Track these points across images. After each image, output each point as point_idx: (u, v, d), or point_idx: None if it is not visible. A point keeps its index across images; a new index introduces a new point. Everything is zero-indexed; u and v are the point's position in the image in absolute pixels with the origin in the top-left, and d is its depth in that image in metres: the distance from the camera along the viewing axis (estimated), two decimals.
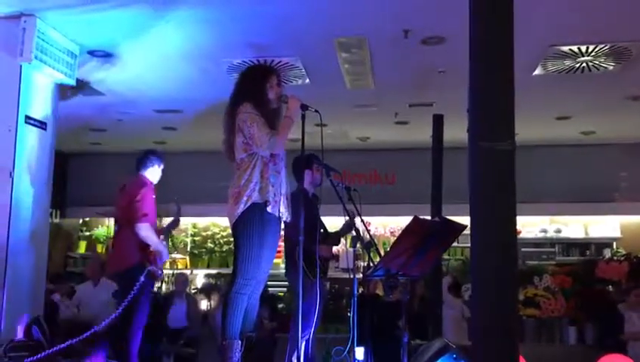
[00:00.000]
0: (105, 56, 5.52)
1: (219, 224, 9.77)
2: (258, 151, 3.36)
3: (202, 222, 9.89)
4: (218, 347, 3.54)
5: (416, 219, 3.04)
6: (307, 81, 6.11)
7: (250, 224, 3.31)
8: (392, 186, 9.38)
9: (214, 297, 8.35)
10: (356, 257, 4.45)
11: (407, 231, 3.06)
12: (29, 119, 4.72)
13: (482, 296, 1.95)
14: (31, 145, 4.76)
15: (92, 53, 5.42)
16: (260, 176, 3.36)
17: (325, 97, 6.27)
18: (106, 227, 9.57)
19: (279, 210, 3.43)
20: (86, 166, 9.65)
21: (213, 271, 9.51)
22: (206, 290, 8.42)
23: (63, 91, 5.30)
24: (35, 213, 4.82)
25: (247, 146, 3.37)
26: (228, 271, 9.59)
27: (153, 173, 4.85)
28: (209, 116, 7.60)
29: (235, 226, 3.34)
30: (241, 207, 3.30)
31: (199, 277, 9.56)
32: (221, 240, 9.74)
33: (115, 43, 5.29)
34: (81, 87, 6.07)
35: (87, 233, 9.77)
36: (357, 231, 4.11)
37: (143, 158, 4.89)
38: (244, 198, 3.31)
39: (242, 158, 3.38)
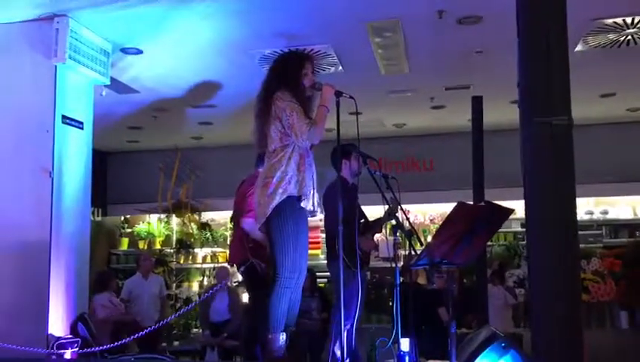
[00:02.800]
0: (137, 53, 5.54)
1: None
2: (295, 142, 3.26)
3: None
4: (261, 340, 3.50)
5: (460, 205, 2.91)
6: (340, 68, 6.01)
7: (286, 217, 3.23)
8: (430, 173, 9.21)
9: None
10: (397, 246, 4.34)
11: (451, 217, 2.95)
12: (66, 119, 4.77)
13: (541, 279, 1.84)
14: (69, 145, 4.81)
15: (125, 50, 5.45)
16: (296, 168, 3.27)
17: (359, 84, 6.15)
18: (147, 223, 9.69)
19: (312, 204, 3.35)
20: (125, 164, 9.78)
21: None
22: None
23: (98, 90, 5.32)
24: (75, 211, 4.88)
25: (283, 136, 3.27)
26: None
27: None
28: (244, 110, 7.58)
29: (270, 219, 3.25)
30: (277, 200, 3.22)
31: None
32: None
33: (147, 39, 5.29)
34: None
35: (129, 230, 9.91)
36: (397, 219, 4.00)
37: (261, 154, 4.99)
38: (280, 191, 3.22)
39: (276, 148, 3.28)
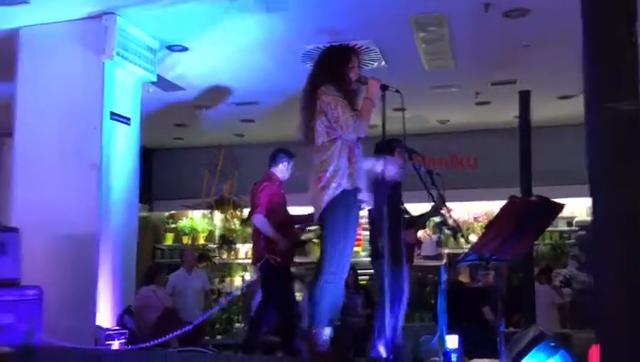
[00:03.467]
0: (183, 50, 5.61)
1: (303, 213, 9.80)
2: (342, 135, 3.25)
3: None
4: (303, 334, 3.50)
5: (512, 200, 2.84)
6: (383, 63, 5.95)
7: (339, 212, 3.22)
8: (475, 170, 9.05)
9: (295, 285, 8.43)
10: (440, 243, 4.27)
11: (502, 212, 2.88)
12: (113, 115, 4.86)
13: (608, 276, 1.76)
14: (117, 141, 4.91)
15: (171, 47, 5.52)
16: (347, 161, 3.26)
17: (402, 80, 6.01)
18: (190, 219, 9.83)
19: (364, 197, 3.33)
20: (170, 160, 9.95)
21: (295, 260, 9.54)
22: (300, 278, 8.53)
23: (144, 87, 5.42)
24: (123, 206, 4.97)
25: (330, 130, 3.26)
26: (311, 260, 9.63)
27: (283, 170, 5.00)
28: (285, 106, 7.61)
29: (323, 214, 3.24)
30: (331, 194, 3.21)
31: None
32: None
33: (193, 36, 5.36)
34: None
35: (173, 225, 10.08)
36: (442, 216, 3.94)
37: (273, 155, 5.10)
38: (334, 185, 3.21)
39: (323, 143, 3.27)
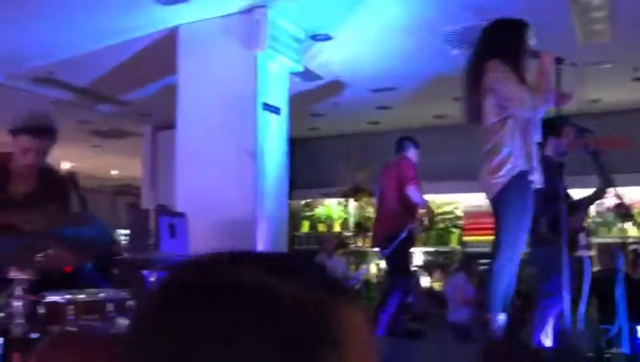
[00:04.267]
0: (326, 39, 5.68)
1: (434, 201, 9.64)
2: (515, 113, 3.10)
3: None
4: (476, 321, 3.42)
5: None
6: (533, 40, 5.63)
7: (516, 193, 3.09)
8: (630, 152, 8.36)
9: (435, 273, 8.33)
10: (589, 233, 4.00)
11: None
12: (266, 106, 5.04)
13: None
14: (269, 131, 5.09)
15: (315, 37, 5.62)
16: (522, 141, 3.11)
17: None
18: (326, 207, 10.02)
19: (536, 178, 3.17)
20: (306, 150, 10.18)
21: (431, 249, 9.43)
22: (427, 267, 8.43)
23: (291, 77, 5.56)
24: (275, 193, 5.16)
25: (500, 109, 3.12)
26: (445, 248, 9.46)
27: (413, 154, 5.52)
28: (423, 91, 7.50)
29: (499, 196, 3.12)
30: (507, 176, 3.09)
31: (416, 255, 9.56)
32: (437, 218, 9.59)
33: (335, 24, 5.41)
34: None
35: (309, 213, 10.33)
36: (620, 197, 3.66)
37: (400, 143, 5.62)
38: (509, 166, 3.09)
39: (493, 123, 3.14)
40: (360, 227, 9.51)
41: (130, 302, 2.57)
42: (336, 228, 9.82)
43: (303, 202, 10.45)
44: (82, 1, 4.93)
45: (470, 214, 9.46)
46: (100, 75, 6.88)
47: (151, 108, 8.49)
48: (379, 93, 7.54)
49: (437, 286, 8.49)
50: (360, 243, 9.63)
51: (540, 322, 4.02)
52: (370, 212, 9.57)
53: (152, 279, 3.70)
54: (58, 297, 2.32)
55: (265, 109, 5.03)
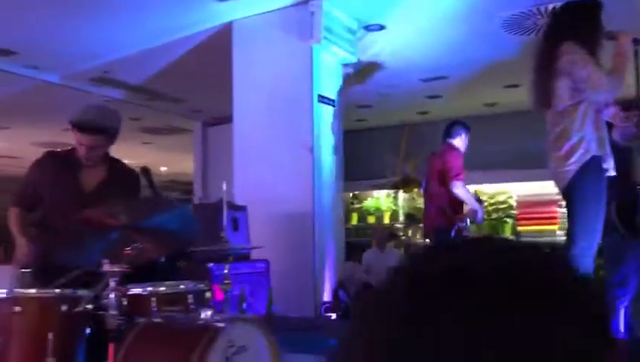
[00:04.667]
0: (380, 29, 5.64)
1: (485, 191, 9.50)
2: (589, 97, 3.00)
3: None
4: None
5: None
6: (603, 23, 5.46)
7: (590, 180, 2.99)
8: None
9: None
10: None
11: None
12: (321, 98, 5.04)
13: None
14: (324, 122, 5.09)
15: (367, 27, 5.58)
16: (593, 126, 3.00)
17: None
18: (375, 199, 9.99)
19: (609, 165, 3.06)
20: (354, 142, 10.14)
21: None
22: None
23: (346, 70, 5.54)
24: (331, 185, 5.16)
25: (574, 92, 3.01)
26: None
27: (461, 142, 5.10)
28: (474, 79, 7.37)
29: (571, 185, 3.03)
30: (579, 162, 2.99)
31: None
32: (489, 208, 9.45)
33: (388, 13, 5.36)
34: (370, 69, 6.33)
35: (357, 205, 10.31)
36: None
37: (449, 128, 5.20)
38: (581, 151, 2.98)
39: (565, 107, 3.03)
40: (411, 218, 9.44)
41: (209, 294, 2.61)
42: (386, 220, 9.78)
43: (351, 194, 10.44)
44: (139, 0, 5.02)
45: (524, 203, 9.28)
46: (153, 73, 7.01)
47: (201, 104, 8.62)
48: (429, 83, 7.45)
49: None
50: (410, 235, 9.57)
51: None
52: (421, 203, 9.49)
53: (219, 272, 3.75)
54: (140, 289, 2.37)
55: (320, 101, 5.03)
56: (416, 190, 9.39)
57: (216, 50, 5.75)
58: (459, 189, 4.82)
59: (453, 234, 4.91)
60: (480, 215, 5.00)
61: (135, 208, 2.35)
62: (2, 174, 12.96)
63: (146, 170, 2.74)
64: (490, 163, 8.46)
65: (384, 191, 9.83)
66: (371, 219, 10.00)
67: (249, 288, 4.35)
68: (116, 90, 7.67)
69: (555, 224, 8.89)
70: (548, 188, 9.21)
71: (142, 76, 7.12)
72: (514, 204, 9.36)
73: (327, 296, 4.94)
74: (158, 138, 10.90)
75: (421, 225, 9.55)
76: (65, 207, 2.85)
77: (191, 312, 2.43)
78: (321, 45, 4.91)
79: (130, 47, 6.07)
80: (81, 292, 2.22)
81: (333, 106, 5.21)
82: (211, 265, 3.81)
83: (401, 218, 9.89)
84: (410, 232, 9.62)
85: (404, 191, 9.59)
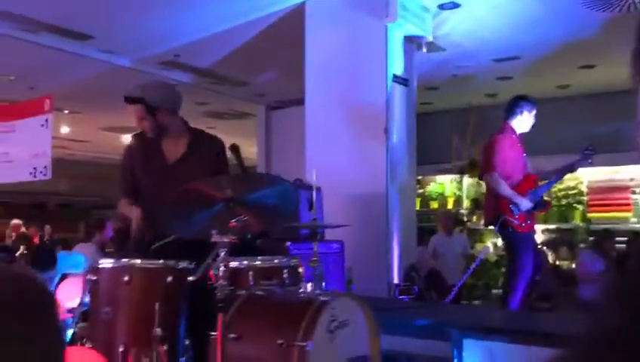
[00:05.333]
0: (454, 7, 5.49)
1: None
2: None
3: None
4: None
5: None
6: None
7: None
8: None
9: (561, 251, 8.00)
10: None
11: None
12: (396, 77, 4.96)
13: None
14: (398, 103, 5.01)
15: (442, 6, 5.44)
16: None
17: None
18: (439, 184, 9.84)
19: None
20: (419, 125, 10.00)
21: (552, 226, 9.02)
22: (552, 244, 8.11)
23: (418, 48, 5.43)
24: (404, 168, 5.09)
25: None
26: (567, 226, 9.00)
27: (521, 121, 4.71)
28: (549, 60, 7.11)
29: None
30: None
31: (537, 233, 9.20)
32: (559, 194, 9.15)
33: None
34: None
35: (420, 190, 10.18)
36: None
37: (510, 105, 4.83)
38: None
39: None
40: (477, 204, 9.25)
41: (301, 269, 2.61)
42: (449, 206, 9.61)
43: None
44: None
45: (595, 189, 8.94)
46: (222, 57, 7.07)
47: (265, 88, 8.66)
48: (501, 63, 7.23)
49: (563, 264, 8.13)
50: (475, 221, 9.39)
51: None
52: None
53: (298, 251, 3.75)
54: (237, 263, 2.39)
55: (394, 81, 4.95)
56: None
57: (286, 31, 5.74)
58: (490, 181, 4.48)
59: (497, 228, 4.54)
60: (523, 206, 4.46)
61: (240, 182, 2.35)
62: (71, 158, 13.46)
63: (235, 148, 2.75)
64: (559, 147, 8.18)
65: (448, 176, 9.66)
66: (434, 205, 9.84)
67: (325, 268, 4.34)
68: (185, 74, 7.79)
69: (628, 211, 8.53)
70: (621, 173, 8.86)
71: (210, 60, 7.20)
72: (584, 189, 9.02)
73: (398, 280, 4.89)
74: (221, 122, 11.03)
75: None
76: (155, 182, 2.96)
77: (287, 286, 2.44)
78: (397, 24, 4.82)
79: (203, 30, 6.13)
80: (185, 263, 2.25)
81: (407, 86, 5.12)
82: (289, 243, 3.83)
83: (465, 203, 9.70)
84: (474, 218, 9.43)
85: (469, 176, 9.39)
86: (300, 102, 9.09)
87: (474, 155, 9.06)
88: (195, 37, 6.40)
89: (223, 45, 6.69)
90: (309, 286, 2.22)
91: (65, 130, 11.28)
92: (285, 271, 2.47)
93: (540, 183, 4.87)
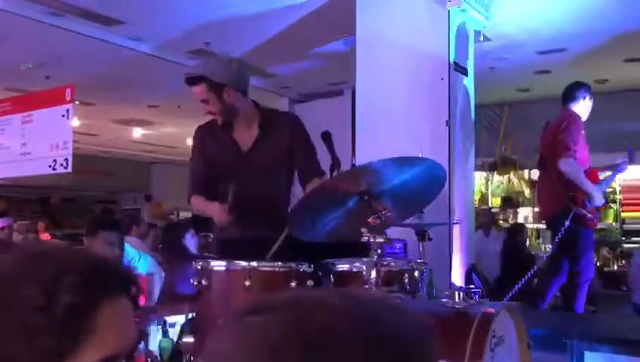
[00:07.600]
0: None
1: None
2: None
3: None
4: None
5: None
6: None
7: None
8: None
9: (602, 252, 7.74)
10: None
11: None
12: (456, 65, 4.65)
13: None
14: (459, 93, 4.71)
15: None
16: None
17: None
18: None
19: None
20: None
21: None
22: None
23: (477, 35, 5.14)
24: (463, 161, 4.79)
25: None
26: (600, 225, 8.73)
27: (583, 106, 4.42)
28: (593, 53, 6.83)
29: None
30: None
31: None
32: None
33: None
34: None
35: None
36: None
37: (570, 90, 4.57)
38: None
39: None
40: (509, 202, 8.98)
41: (417, 273, 2.30)
42: (475, 204, 9.34)
43: None
44: None
45: (629, 188, 8.69)
46: (253, 46, 6.73)
47: (290, 80, 8.34)
48: (544, 56, 6.95)
49: (605, 265, 7.87)
50: (506, 219, 9.11)
51: None
52: (518, 186, 9.02)
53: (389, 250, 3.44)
54: (359, 265, 2.08)
55: (456, 70, 4.64)
56: (513, 172, 8.92)
57: (329, 18, 5.42)
58: (567, 167, 4.11)
59: (568, 222, 4.17)
60: (597, 201, 4.23)
61: (374, 170, 2.03)
62: (80, 153, 13.07)
63: (326, 135, 2.44)
64: (593, 144, 7.92)
65: (477, 173, 9.38)
66: None
67: None
68: None
69: None
70: None
71: (242, 49, 6.85)
72: (618, 188, 8.77)
73: (460, 281, 4.60)
74: None
75: (519, 209, 9.12)
76: (231, 174, 2.67)
77: (409, 293, 2.13)
78: (462, 8, 4.52)
79: (232, 18, 5.81)
80: (305, 265, 1.94)
81: (466, 75, 4.82)
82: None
83: (491, 201, 9.42)
84: (502, 216, 9.15)
85: (498, 174, 9.12)
86: (325, 95, 8.83)
87: (506, 152, 8.80)
88: (227, 24, 6.08)
89: (257, 33, 6.35)
90: (456, 295, 1.91)
91: (75, 122, 10.90)
92: (406, 275, 2.16)
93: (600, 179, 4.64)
